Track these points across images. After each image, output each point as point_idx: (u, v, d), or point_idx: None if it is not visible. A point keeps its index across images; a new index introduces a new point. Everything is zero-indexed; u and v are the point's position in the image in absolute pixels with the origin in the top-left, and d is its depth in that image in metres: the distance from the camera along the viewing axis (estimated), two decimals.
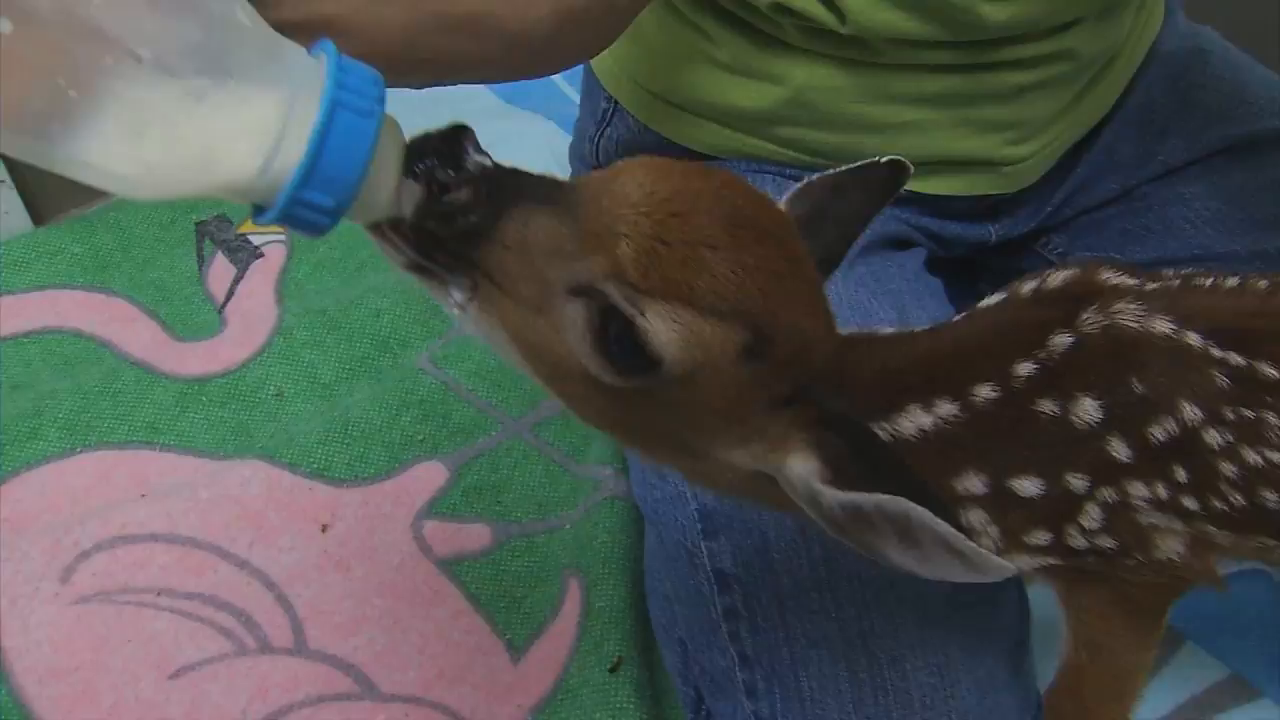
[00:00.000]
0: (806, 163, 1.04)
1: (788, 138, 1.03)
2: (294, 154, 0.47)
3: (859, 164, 0.68)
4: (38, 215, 1.57)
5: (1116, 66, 1.11)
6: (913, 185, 1.05)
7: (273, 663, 1.12)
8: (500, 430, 1.34)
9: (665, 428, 0.60)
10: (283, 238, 1.56)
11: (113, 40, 0.43)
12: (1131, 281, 0.70)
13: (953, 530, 0.51)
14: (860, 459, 0.56)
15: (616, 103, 1.11)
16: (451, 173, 0.52)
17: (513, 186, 0.54)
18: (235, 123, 0.46)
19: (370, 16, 0.61)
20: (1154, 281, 0.71)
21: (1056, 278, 0.71)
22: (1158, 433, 0.66)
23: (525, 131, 1.75)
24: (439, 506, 1.26)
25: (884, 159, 0.68)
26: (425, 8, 0.64)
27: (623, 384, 0.56)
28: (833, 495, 0.55)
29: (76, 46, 0.43)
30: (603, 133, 1.14)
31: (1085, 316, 0.67)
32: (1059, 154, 1.11)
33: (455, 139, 0.52)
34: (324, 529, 1.23)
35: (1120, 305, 0.67)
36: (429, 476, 1.28)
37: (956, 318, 0.74)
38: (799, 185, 0.67)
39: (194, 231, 1.56)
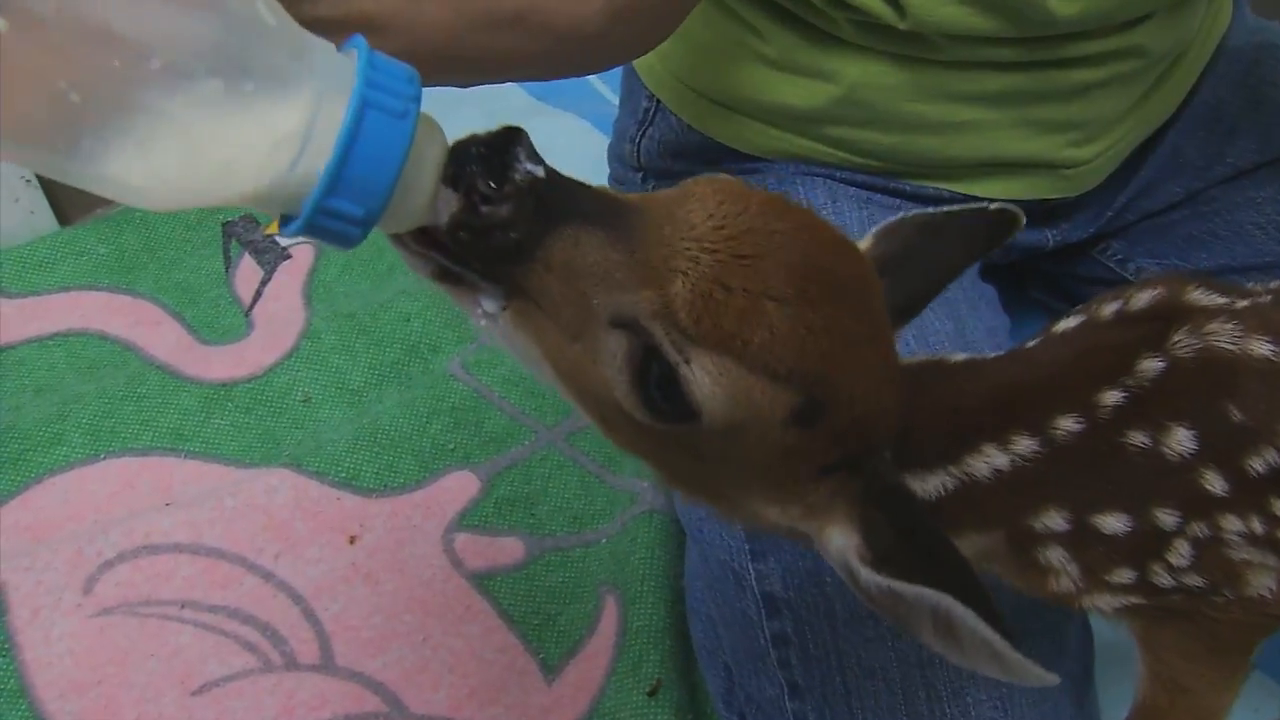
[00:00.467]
0: (858, 164, 1.00)
1: (839, 138, 0.98)
2: (319, 160, 0.43)
3: (962, 207, 0.63)
4: (63, 215, 1.55)
5: (1184, 64, 1.05)
6: (968, 188, 1.01)
7: (299, 680, 1.09)
8: (534, 439, 1.30)
9: (699, 471, 0.56)
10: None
11: (121, 40, 0.39)
12: (1221, 299, 0.65)
13: (997, 636, 0.47)
14: (906, 544, 0.52)
15: (659, 102, 1.07)
16: (494, 185, 0.47)
17: (564, 202, 0.49)
18: (256, 128, 0.42)
19: (412, 13, 0.57)
20: (1244, 298, 0.66)
21: (1141, 297, 0.66)
22: (1256, 464, 0.61)
23: (559, 131, 1.70)
24: (470, 518, 1.22)
25: (993, 206, 0.62)
26: (470, 4, 0.60)
27: (658, 426, 0.51)
28: (870, 577, 0.51)
29: (81, 48, 0.39)
30: (644, 133, 1.10)
31: (1176, 339, 0.62)
32: (1123, 156, 1.06)
33: (504, 145, 0.47)
34: (352, 540, 1.19)
35: (1214, 326, 0.61)
36: (460, 487, 1.24)
37: (1031, 343, 0.68)
38: (889, 222, 0.62)
39: (221, 232, 1.53)
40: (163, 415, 1.29)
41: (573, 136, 1.69)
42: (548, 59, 0.68)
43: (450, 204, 0.47)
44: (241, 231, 1.53)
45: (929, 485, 0.61)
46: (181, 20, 0.40)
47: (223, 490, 1.21)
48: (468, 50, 0.61)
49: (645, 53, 0.82)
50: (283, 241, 1.52)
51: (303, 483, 1.22)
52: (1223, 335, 0.61)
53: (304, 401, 1.32)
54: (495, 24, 0.62)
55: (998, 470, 0.60)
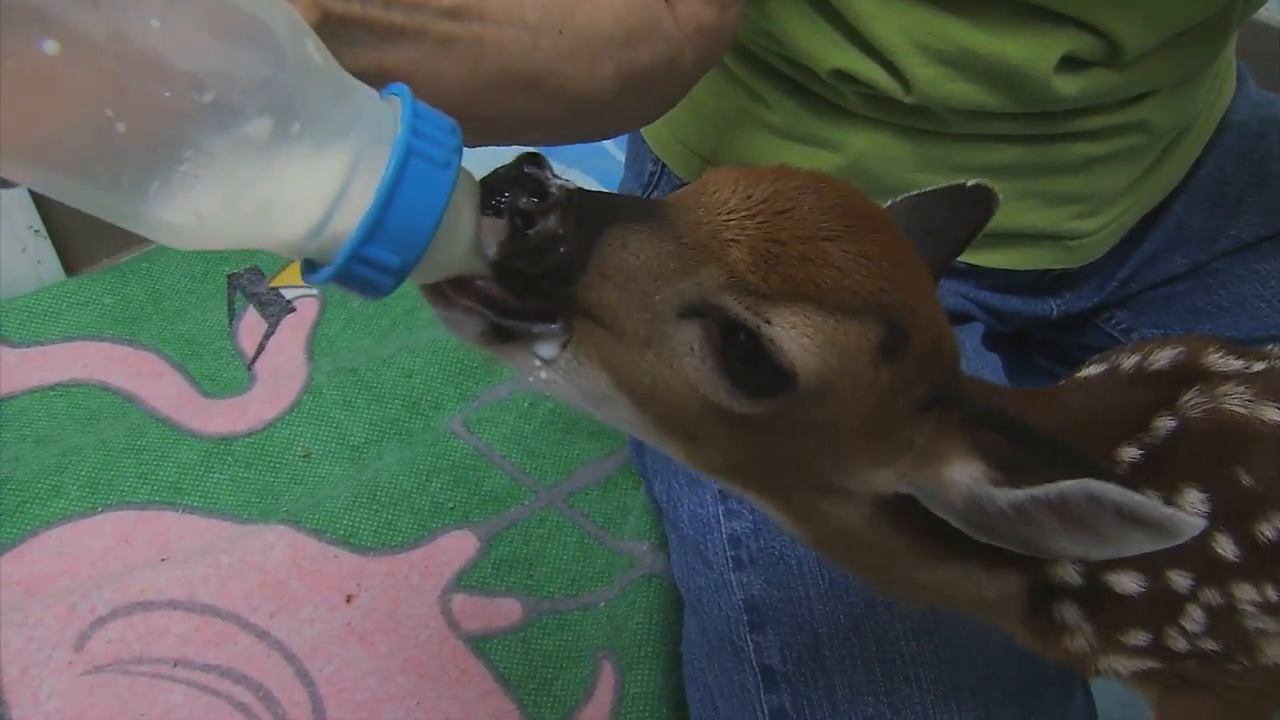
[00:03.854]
0: None
1: None
2: (360, 206, 0.42)
3: (941, 186, 0.64)
4: (70, 265, 1.55)
5: (1189, 137, 1.06)
6: (974, 258, 1.01)
7: None
8: (533, 499, 1.29)
9: (799, 460, 0.55)
10: (316, 292, 1.53)
11: (171, 71, 0.38)
12: (1237, 363, 0.65)
13: (1144, 500, 0.47)
14: (1025, 453, 0.51)
15: (664, 166, 1.07)
16: (536, 200, 0.47)
17: (602, 209, 0.49)
18: (298, 170, 0.42)
19: (429, 71, 0.57)
20: (1260, 360, 0.66)
21: (1160, 356, 0.66)
22: (1267, 530, 0.61)
23: None
24: (468, 579, 1.21)
25: (969, 183, 0.63)
26: (487, 65, 0.60)
27: (751, 410, 0.50)
28: (1006, 496, 0.51)
29: (132, 76, 0.38)
30: (648, 195, 1.10)
31: (1188, 399, 0.61)
32: (1128, 227, 1.06)
33: (533, 164, 0.48)
34: (348, 600, 1.18)
35: (1226, 388, 0.61)
36: (458, 547, 1.23)
37: (1061, 383, 0.68)
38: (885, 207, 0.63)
39: (226, 284, 1.53)
40: (162, 468, 1.29)
41: None
42: (559, 124, 0.69)
43: (497, 232, 0.47)
44: (247, 283, 1.54)
45: None
46: (235, 54, 0.40)
47: (219, 546, 1.20)
48: (481, 110, 0.61)
49: (654, 120, 0.82)
50: (288, 294, 1.52)
51: (300, 540, 1.21)
52: (1234, 399, 0.60)
53: (304, 457, 1.32)
54: (511, 86, 0.62)
55: None
